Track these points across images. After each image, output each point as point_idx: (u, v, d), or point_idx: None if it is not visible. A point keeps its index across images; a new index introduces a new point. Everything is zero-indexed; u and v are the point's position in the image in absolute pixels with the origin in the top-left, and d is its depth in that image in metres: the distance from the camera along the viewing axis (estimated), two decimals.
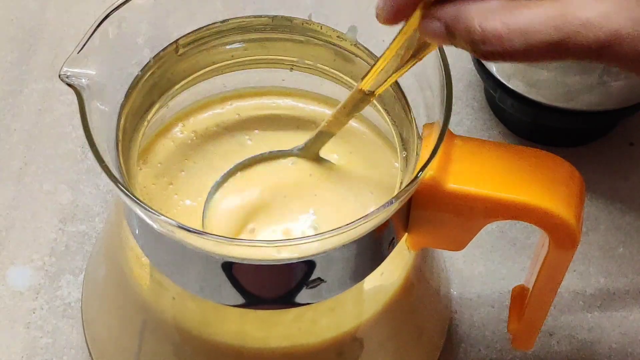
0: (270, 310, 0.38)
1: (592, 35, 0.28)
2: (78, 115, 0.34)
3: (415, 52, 0.34)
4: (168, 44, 0.39)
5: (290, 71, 0.42)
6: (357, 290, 0.38)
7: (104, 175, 0.33)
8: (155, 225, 0.34)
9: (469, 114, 0.58)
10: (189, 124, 0.42)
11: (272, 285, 0.36)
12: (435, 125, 0.36)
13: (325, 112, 0.42)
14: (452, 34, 0.30)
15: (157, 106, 0.40)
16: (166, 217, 0.32)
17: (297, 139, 0.41)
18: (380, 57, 0.35)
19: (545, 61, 0.30)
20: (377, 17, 0.32)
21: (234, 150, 0.41)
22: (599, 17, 0.28)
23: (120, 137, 0.37)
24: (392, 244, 0.37)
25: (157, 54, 0.39)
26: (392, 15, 0.32)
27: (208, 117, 0.42)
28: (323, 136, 0.39)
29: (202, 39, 0.40)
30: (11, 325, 0.48)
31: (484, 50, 0.29)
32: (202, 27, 0.40)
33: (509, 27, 0.29)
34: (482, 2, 0.29)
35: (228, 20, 0.40)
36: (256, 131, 0.42)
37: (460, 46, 0.30)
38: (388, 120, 0.41)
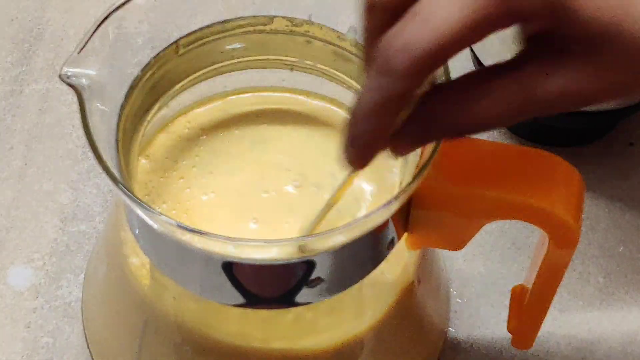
0: (271, 310, 0.38)
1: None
2: (78, 115, 0.34)
3: None
4: (168, 44, 0.39)
5: (291, 71, 0.42)
6: (357, 290, 0.38)
7: (104, 175, 0.33)
8: (155, 225, 0.34)
9: None
10: (194, 119, 0.42)
11: (272, 285, 0.36)
12: None
13: (328, 107, 0.43)
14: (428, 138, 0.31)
15: (157, 106, 0.40)
16: (166, 216, 0.32)
17: (304, 134, 0.41)
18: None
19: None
20: (352, 166, 0.32)
21: (245, 146, 0.41)
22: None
23: (121, 137, 0.37)
24: (392, 243, 0.37)
25: (157, 54, 0.39)
26: (366, 163, 0.31)
27: (213, 112, 0.42)
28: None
29: (202, 39, 0.40)
30: (11, 325, 0.48)
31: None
32: (202, 27, 0.40)
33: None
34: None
35: (228, 20, 0.40)
36: (265, 125, 0.42)
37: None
38: None
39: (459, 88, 0.30)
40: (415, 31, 0.27)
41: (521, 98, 0.28)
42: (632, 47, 0.27)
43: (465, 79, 0.30)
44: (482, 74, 0.29)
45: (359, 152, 0.31)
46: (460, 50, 0.27)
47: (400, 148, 0.31)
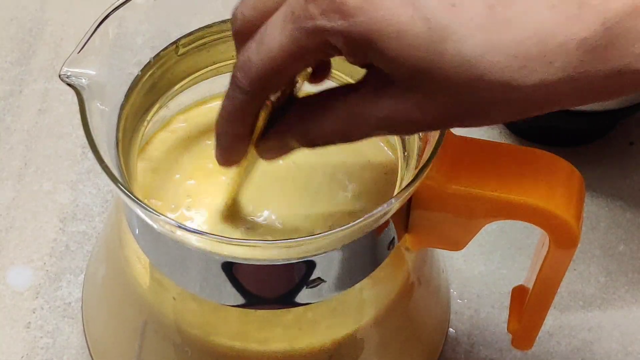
0: (271, 310, 0.38)
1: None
2: (78, 115, 0.34)
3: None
4: (168, 44, 0.39)
5: None
6: (357, 290, 0.38)
7: (104, 175, 0.33)
8: (155, 225, 0.34)
9: None
10: (193, 123, 0.42)
11: (272, 285, 0.36)
12: None
13: None
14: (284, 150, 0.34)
15: (157, 106, 0.40)
16: (166, 217, 0.32)
17: None
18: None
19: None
20: (218, 164, 0.35)
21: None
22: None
23: (120, 137, 0.37)
24: (392, 244, 0.37)
25: (157, 54, 0.39)
26: (230, 162, 0.35)
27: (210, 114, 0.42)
28: None
29: (202, 39, 0.40)
30: (11, 325, 0.48)
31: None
32: (202, 27, 0.40)
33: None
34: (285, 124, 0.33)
35: (228, 20, 0.40)
36: None
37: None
38: None
39: (311, 104, 0.32)
40: (250, 52, 0.31)
41: (353, 118, 0.31)
42: (445, 82, 0.28)
43: (320, 96, 0.32)
44: (335, 92, 0.32)
45: (222, 151, 0.34)
46: (292, 72, 0.31)
47: (264, 152, 0.35)
